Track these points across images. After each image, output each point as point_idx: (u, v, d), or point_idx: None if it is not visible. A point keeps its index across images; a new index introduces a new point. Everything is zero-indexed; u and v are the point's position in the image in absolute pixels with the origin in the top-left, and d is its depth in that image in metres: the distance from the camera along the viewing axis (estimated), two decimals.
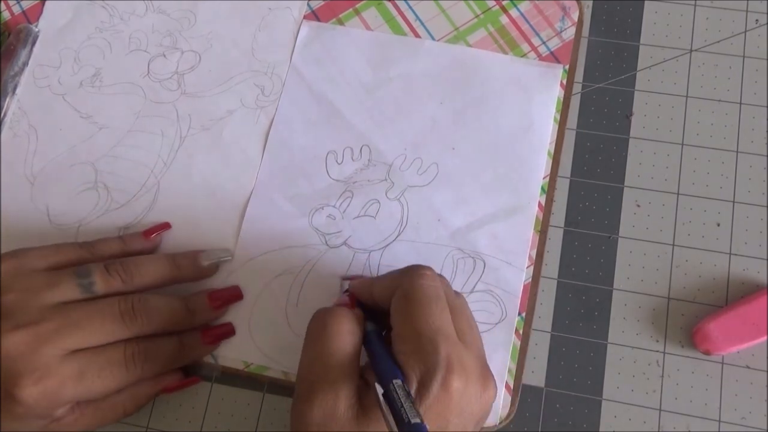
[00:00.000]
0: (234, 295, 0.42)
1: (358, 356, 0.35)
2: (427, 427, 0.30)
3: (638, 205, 0.45)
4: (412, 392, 0.32)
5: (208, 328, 0.42)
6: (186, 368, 0.42)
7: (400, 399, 0.31)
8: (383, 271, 0.43)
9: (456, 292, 0.37)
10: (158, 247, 0.44)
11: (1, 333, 0.35)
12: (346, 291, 0.40)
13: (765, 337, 0.41)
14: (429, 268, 0.36)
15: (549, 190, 0.44)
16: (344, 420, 0.32)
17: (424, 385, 0.32)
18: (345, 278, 0.42)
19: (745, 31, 0.47)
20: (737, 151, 0.45)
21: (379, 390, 0.32)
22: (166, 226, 0.44)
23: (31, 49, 0.49)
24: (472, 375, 0.33)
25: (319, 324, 0.35)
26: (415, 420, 0.30)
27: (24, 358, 0.35)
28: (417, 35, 0.48)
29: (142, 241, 0.43)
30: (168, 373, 0.41)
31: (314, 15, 0.49)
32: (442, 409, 0.32)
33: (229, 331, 0.42)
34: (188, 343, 0.41)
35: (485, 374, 0.34)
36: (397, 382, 0.31)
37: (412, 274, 0.35)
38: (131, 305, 0.38)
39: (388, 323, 0.36)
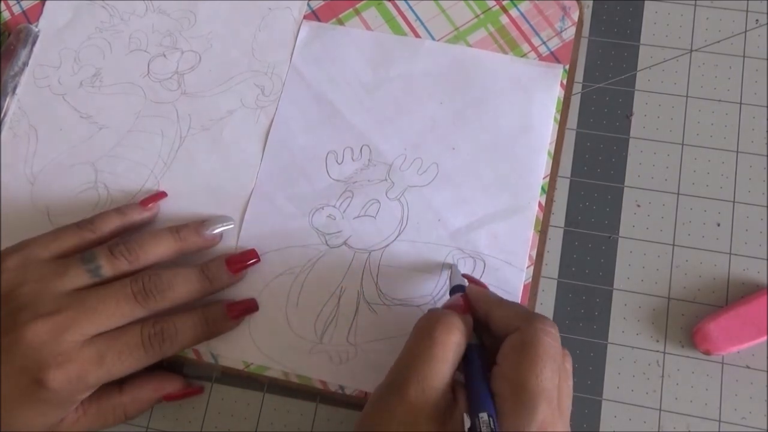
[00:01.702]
0: (251, 254, 0.42)
1: (455, 367, 0.35)
2: None
3: (638, 205, 0.45)
4: None
5: (232, 303, 0.42)
6: (185, 370, 0.42)
7: None
8: (384, 271, 0.43)
9: (564, 354, 0.36)
10: (156, 217, 0.44)
11: (23, 324, 0.36)
12: (457, 288, 0.39)
13: (765, 337, 0.41)
14: (555, 326, 0.35)
15: (549, 190, 0.44)
16: (427, 426, 0.32)
17: None
18: (464, 275, 0.41)
19: (745, 31, 0.47)
20: (737, 151, 0.45)
21: (467, 421, 0.32)
22: (162, 194, 0.44)
23: (31, 49, 0.49)
24: None
25: (429, 326, 0.35)
26: None
27: (46, 347, 0.36)
28: (417, 35, 0.48)
29: (140, 211, 0.43)
30: (170, 380, 0.41)
31: (314, 15, 0.49)
32: None
33: (252, 306, 0.42)
34: (212, 318, 0.41)
35: None
36: (488, 417, 0.32)
37: (537, 325, 0.34)
38: (142, 285, 0.38)
39: (486, 338, 0.36)
